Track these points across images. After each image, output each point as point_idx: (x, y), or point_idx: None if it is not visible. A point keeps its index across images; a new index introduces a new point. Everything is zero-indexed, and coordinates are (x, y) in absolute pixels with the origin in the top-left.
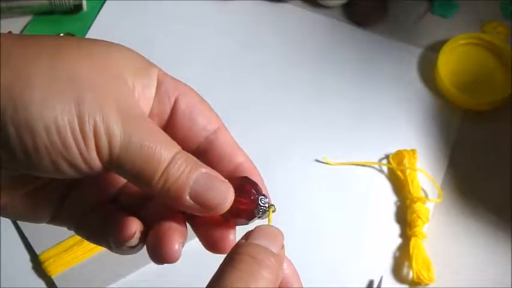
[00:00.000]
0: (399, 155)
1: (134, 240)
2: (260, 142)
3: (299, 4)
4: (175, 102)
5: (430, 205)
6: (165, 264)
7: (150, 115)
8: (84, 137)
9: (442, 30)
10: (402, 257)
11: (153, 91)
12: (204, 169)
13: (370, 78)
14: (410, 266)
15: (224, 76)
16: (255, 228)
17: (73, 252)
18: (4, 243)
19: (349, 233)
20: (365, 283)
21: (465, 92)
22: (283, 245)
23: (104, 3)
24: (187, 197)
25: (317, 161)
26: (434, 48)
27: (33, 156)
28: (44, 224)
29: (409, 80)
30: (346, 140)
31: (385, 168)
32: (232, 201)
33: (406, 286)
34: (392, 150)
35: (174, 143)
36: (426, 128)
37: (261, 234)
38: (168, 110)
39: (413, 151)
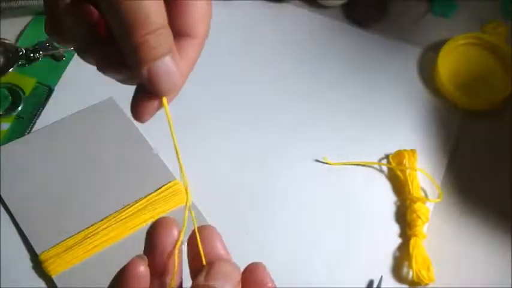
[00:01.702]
0: (399, 155)
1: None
2: (260, 142)
3: (299, 4)
4: None
5: (430, 205)
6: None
7: None
8: None
9: (442, 30)
10: (402, 257)
11: None
12: (175, 56)
13: (370, 78)
14: (410, 266)
15: (224, 76)
16: (214, 265)
17: (73, 252)
18: (4, 243)
19: (349, 233)
20: (365, 283)
21: (465, 92)
22: (239, 282)
23: None
24: (144, 70)
25: (317, 161)
26: (434, 48)
27: None
28: (44, 224)
29: (409, 80)
30: (346, 140)
31: (385, 168)
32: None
33: (406, 286)
34: (392, 150)
35: (165, 16)
36: (426, 128)
37: (218, 273)
38: None
39: (413, 151)
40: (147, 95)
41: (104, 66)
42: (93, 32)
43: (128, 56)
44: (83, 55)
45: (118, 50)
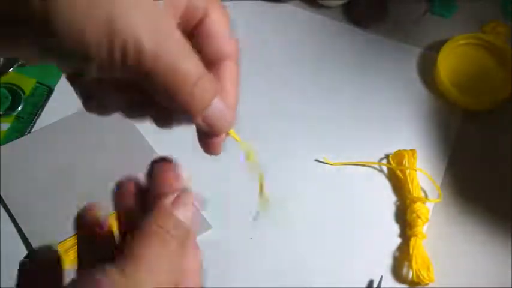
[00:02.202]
0: (399, 155)
1: None
2: (260, 142)
3: (299, 4)
4: (201, 19)
5: (430, 205)
6: None
7: (178, 25)
8: (112, 56)
9: (442, 30)
10: (402, 257)
11: (184, 1)
12: (222, 95)
13: (370, 78)
14: (410, 266)
15: None
16: (182, 194)
17: (73, 252)
18: (4, 243)
19: (349, 233)
20: (365, 283)
21: (465, 92)
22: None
23: None
24: (199, 120)
25: (317, 161)
26: (434, 48)
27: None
28: (44, 224)
29: (409, 80)
30: (346, 140)
31: (385, 168)
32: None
33: (406, 286)
34: (392, 150)
35: (201, 64)
36: (426, 128)
37: (185, 202)
38: (194, 21)
39: (413, 151)
40: (210, 136)
41: (161, 125)
42: (138, 98)
43: (179, 113)
44: (133, 119)
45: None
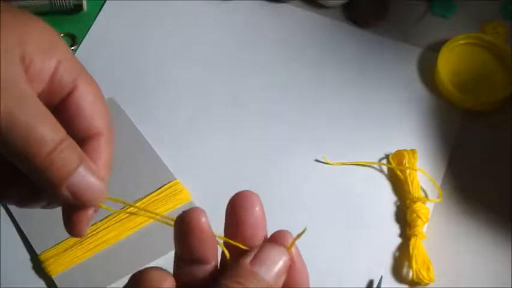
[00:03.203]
0: (399, 155)
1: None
2: (260, 142)
3: (299, 4)
4: (69, 93)
5: (430, 205)
6: (165, 265)
7: (40, 96)
8: None
9: (442, 30)
10: (402, 257)
11: (48, 74)
12: (87, 164)
13: (370, 78)
14: (410, 266)
15: (224, 76)
16: (262, 249)
17: (73, 252)
18: (4, 243)
19: (349, 233)
20: (365, 283)
21: (465, 92)
22: (286, 267)
23: (104, 3)
24: (64, 190)
25: (317, 161)
26: (434, 48)
27: None
28: (44, 224)
29: (409, 80)
30: (346, 140)
31: (385, 168)
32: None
33: (406, 286)
34: (392, 150)
35: (61, 129)
36: (426, 128)
37: (265, 259)
38: (61, 95)
39: (413, 151)
40: (76, 210)
41: (24, 204)
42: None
43: (39, 182)
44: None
45: (30, 183)
